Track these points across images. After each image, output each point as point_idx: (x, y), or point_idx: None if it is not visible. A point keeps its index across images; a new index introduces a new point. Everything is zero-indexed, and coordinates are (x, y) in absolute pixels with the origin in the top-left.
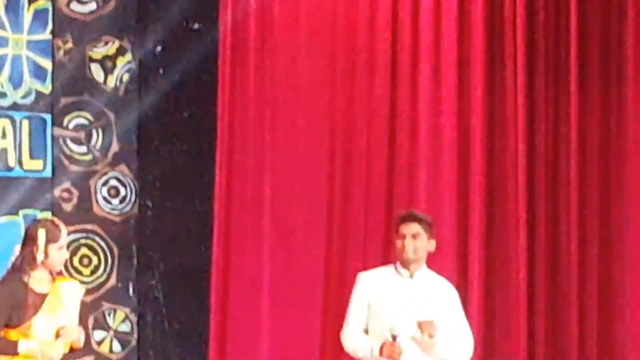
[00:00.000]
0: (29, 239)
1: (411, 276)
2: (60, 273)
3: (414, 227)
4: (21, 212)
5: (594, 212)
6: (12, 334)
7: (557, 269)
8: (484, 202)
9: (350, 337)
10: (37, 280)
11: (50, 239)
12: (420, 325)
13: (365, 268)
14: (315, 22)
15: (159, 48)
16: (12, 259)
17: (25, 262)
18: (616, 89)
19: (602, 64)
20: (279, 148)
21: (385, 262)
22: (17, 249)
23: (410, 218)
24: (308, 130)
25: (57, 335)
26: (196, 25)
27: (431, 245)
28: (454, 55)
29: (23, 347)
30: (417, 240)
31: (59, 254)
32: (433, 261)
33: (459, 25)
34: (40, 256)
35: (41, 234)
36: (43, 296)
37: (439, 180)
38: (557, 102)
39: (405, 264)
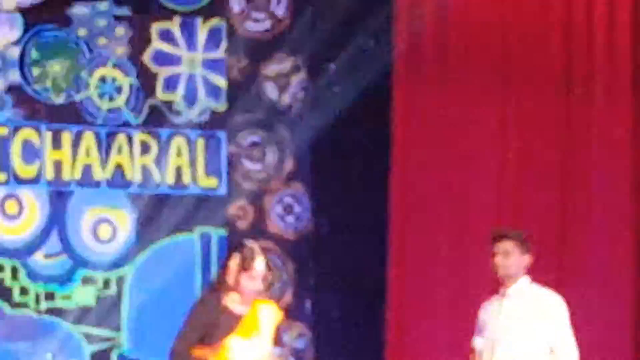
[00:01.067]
0: (226, 260)
1: (506, 292)
2: (257, 296)
3: (504, 245)
4: (197, 230)
5: None
6: (201, 353)
7: None
8: None
9: None
10: (235, 301)
11: (243, 267)
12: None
13: None
14: (488, 39)
15: (333, 66)
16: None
17: (219, 283)
18: None
19: None
20: (453, 166)
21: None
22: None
23: (501, 236)
24: (481, 148)
25: None
26: (370, 43)
27: (526, 260)
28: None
29: None
30: (508, 258)
31: (249, 284)
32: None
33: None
34: (230, 281)
35: (235, 259)
36: (239, 317)
37: (614, 203)
38: None
39: (501, 281)
